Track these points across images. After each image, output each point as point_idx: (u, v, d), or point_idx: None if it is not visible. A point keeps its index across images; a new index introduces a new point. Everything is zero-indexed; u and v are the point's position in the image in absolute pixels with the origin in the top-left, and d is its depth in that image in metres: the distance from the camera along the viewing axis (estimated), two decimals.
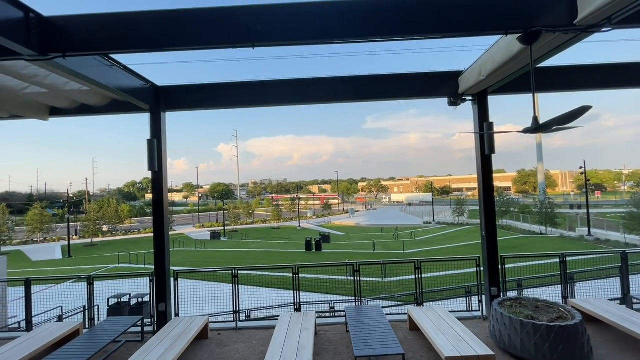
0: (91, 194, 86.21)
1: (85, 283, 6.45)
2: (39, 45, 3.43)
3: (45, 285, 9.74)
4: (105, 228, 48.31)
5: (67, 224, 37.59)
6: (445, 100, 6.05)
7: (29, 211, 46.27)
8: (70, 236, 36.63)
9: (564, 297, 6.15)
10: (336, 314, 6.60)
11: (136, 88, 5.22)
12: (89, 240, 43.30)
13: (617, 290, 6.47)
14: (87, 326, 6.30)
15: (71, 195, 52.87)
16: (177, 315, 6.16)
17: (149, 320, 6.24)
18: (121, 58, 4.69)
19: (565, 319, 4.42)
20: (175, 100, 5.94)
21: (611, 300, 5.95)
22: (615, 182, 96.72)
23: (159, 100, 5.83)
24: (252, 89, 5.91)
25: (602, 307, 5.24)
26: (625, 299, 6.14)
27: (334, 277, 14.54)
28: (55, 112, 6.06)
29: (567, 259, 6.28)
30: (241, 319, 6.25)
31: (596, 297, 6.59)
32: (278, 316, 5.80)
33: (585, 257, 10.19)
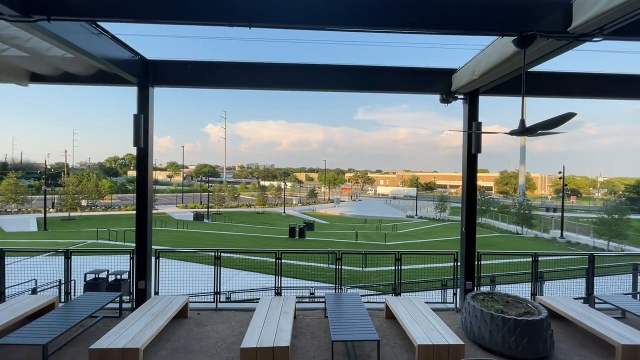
0: (70, 166, 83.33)
1: (62, 257, 6.32)
2: (21, 5, 3.24)
3: (18, 257, 9.46)
4: (84, 202, 46.95)
5: (43, 195, 36.32)
6: (436, 97, 6.11)
7: (2, 180, 44.35)
8: (47, 209, 35.47)
9: (533, 294, 6.48)
10: (316, 299, 6.73)
11: (124, 59, 5.02)
12: (66, 214, 42.06)
13: (582, 290, 6.85)
14: (63, 300, 6.22)
15: (49, 167, 50.93)
16: (156, 293, 6.15)
17: (128, 297, 6.20)
18: (109, 27, 4.49)
19: (532, 314, 4.66)
20: (165, 75, 5.76)
21: (576, 299, 6.30)
22: (590, 189, 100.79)
23: (147, 74, 5.64)
24: (245, 70, 5.79)
25: (567, 305, 5.56)
26: (589, 299, 6.51)
27: (315, 264, 14.74)
28: (36, 78, 5.77)
29: (539, 258, 6.58)
30: (221, 300, 6.29)
31: (562, 295, 6.96)
32: (258, 299, 5.88)
33: (556, 257, 10.70)
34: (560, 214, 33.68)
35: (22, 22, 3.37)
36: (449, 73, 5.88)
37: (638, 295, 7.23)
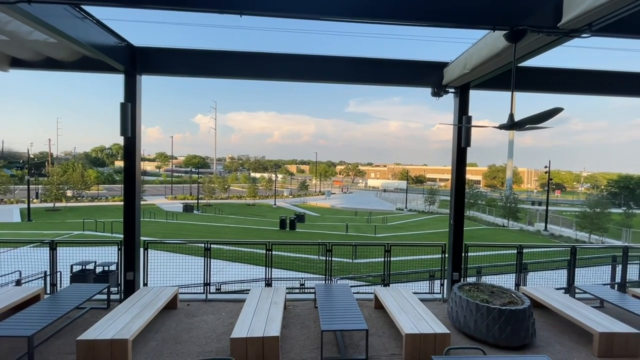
0: (54, 156, 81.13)
1: (48, 248, 6.20)
2: None
3: (1, 249, 9.22)
4: (69, 193, 45.85)
5: (27, 186, 35.32)
6: (427, 90, 6.13)
7: None
8: (31, 199, 34.53)
9: (517, 285, 6.67)
10: (306, 290, 6.79)
11: (110, 46, 4.87)
12: (51, 205, 41.07)
13: (564, 280, 7.09)
14: (48, 292, 6.12)
15: (32, 156, 49.39)
16: (145, 285, 6.10)
17: (116, 288, 6.14)
18: (94, 11, 4.34)
19: (515, 304, 4.81)
20: (153, 63, 5.61)
21: (557, 289, 6.52)
22: (574, 183, 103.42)
23: (134, 62, 5.49)
24: (236, 60, 5.69)
25: (549, 295, 5.75)
26: (569, 289, 6.75)
27: (306, 255, 14.83)
28: (17, 63, 5.55)
29: (524, 250, 6.76)
30: (211, 291, 6.29)
31: (545, 285, 7.19)
32: (248, 290, 5.90)
33: (540, 249, 11.02)
34: (545, 207, 34.57)
35: (0, 3, 3.22)
36: (441, 66, 5.89)
37: (616, 285, 7.53)
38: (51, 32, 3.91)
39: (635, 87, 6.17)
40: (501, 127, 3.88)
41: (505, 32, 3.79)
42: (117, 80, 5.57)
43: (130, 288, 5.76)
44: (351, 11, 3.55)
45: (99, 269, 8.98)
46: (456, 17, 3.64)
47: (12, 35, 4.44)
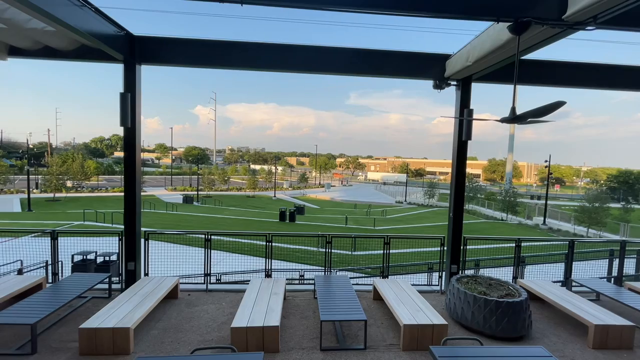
0: (54, 146, 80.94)
1: (49, 238, 6.23)
2: None
3: (3, 238, 9.27)
4: (69, 183, 45.87)
5: (26, 176, 35.30)
6: (429, 83, 6.08)
7: None
8: (31, 189, 34.56)
9: (515, 277, 6.74)
10: (305, 281, 6.85)
11: (109, 35, 4.81)
12: (51, 195, 41.12)
13: (561, 273, 7.15)
14: (50, 281, 6.17)
15: (31, 146, 49.22)
16: (146, 275, 6.15)
17: (117, 278, 6.20)
18: None
19: (512, 296, 4.87)
20: (152, 52, 5.56)
21: (554, 282, 6.58)
22: (574, 178, 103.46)
23: (134, 51, 5.43)
24: (236, 50, 5.63)
25: (546, 288, 5.81)
26: (566, 282, 6.82)
27: (305, 247, 14.92)
28: (15, 51, 5.49)
29: (522, 243, 6.80)
30: (212, 281, 6.35)
31: (542, 279, 7.25)
32: (249, 281, 5.95)
33: (538, 243, 11.10)
34: (544, 201, 34.65)
35: None
36: (443, 59, 5.84)
37: (612, 279, 7.60)
38: (49, 20, 3.85)
39: (639, 81, 6.13)
40: (503, 120, 3.87)
41: (509, 24, 3.74)
42: (116, 70, 5.53)
43: (131, 278, 5.81)
44: (354, 1, 3.51)
45: (100, 259, 9.01)
46: (459, 8, 3.59)
47: (9, 23, 4.38)
